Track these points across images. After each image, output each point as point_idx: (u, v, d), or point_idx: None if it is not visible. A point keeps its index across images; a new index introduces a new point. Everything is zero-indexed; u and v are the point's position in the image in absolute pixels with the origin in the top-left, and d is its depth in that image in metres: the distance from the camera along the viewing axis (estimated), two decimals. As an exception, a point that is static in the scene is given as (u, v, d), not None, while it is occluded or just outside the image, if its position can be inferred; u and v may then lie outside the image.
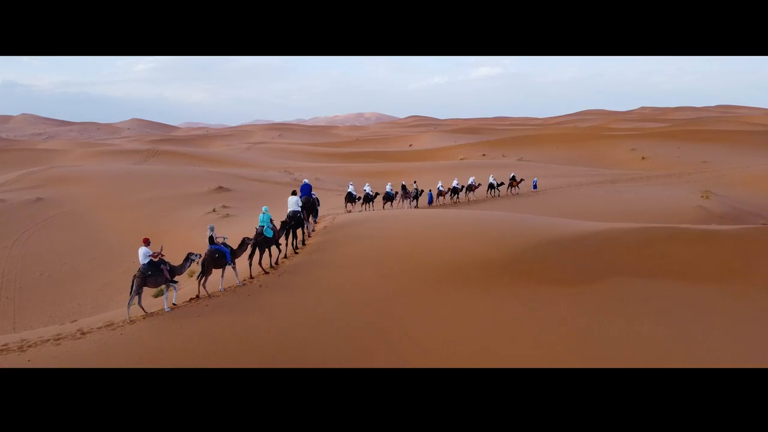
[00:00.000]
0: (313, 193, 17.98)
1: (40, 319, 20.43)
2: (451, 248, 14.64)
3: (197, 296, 12.02)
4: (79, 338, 9.97)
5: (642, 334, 11.02)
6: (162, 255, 11.70)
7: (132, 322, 10.80)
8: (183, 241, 25.05)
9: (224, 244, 12.78)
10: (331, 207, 28.84)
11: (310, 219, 17.67)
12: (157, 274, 11.38)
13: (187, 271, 13.91)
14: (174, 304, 11.64)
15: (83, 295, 23.16)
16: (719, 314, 12.44)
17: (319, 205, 18.81)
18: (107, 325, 10.61)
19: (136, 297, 11.17)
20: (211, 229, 12.79)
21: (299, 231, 16.05)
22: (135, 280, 11.20)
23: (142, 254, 11.42)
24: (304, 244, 16.20)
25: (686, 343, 10.82)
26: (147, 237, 12.00)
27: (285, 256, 14.94)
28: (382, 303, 12.00)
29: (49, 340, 9.92)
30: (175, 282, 11.81)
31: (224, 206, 34.14)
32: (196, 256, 12.31)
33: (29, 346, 9.64)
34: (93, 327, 10.58)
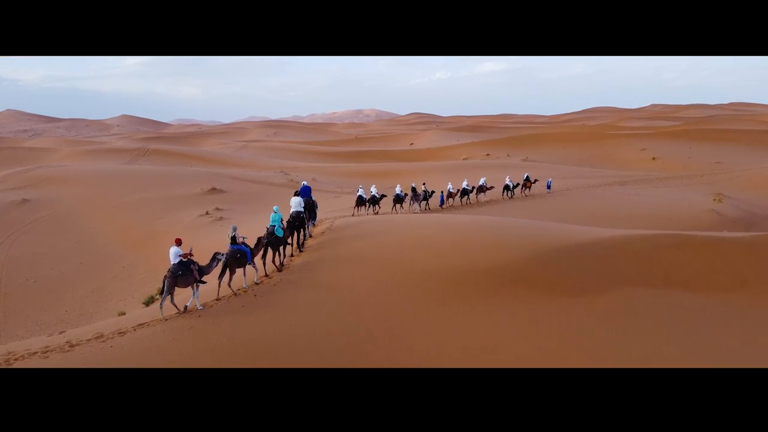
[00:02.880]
0: (312, 195, 18.40)
1: (27, 327, 20.50)
2: (454, 254, 14.70)
3: (224, 295, 12.67)
4: (68, 351, 10.02)
5: (651, 347, 11.08)
6: (191, 255, 12.24)
7: (121, 334, 10.86)
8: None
9: (244, 243, 13.33)
10: (329, 210, 28.89)
11: (308, 221, 17.98)
12: (187, 273, 11.91)
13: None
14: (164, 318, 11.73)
15: (71, 301, 23.23)
16: (732, 325, 12.52)
17: (317, 208, 19.13)
18: (96, 337, 10.66)
19: (168, 296, 11.71)
20: (234, 229, 13.39)
21: (300, 232, 16.73)
22: (166, 281, 11.71)
23: (173, 254, 11.93)
24: (301, 249, 16.35)
25: (697, 357, 10.87)
26: (179, 237, 12.62)
27: (292, 255, 15.75)
28: (379, 310, 12.06)
29: (36, 352, 9.97)
30: (204, 282, 12.33)
31: (217, 209, 34.20)
32: (222, 255, 12.81)
33: (16, 359, 9.70)
34: (82, 339, 10.64)
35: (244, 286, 13.28)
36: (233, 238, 13.15)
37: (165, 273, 11.87)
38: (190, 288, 12.16)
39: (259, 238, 14.20)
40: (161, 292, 11.87)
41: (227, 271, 12.72)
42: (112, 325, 11.89)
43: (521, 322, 11.85)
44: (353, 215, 25.22)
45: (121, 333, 10.87)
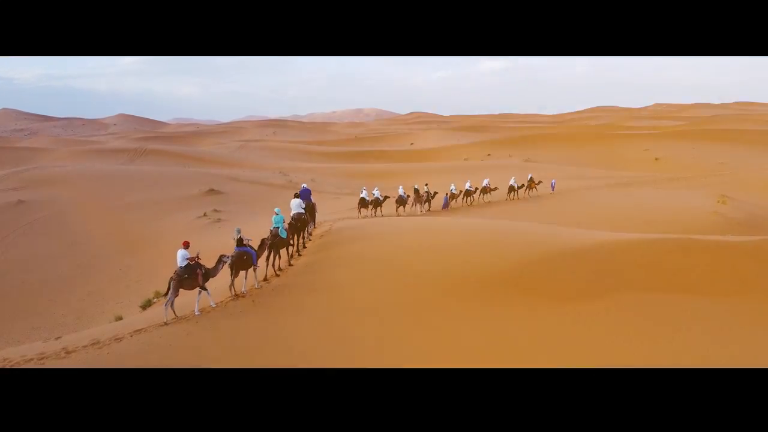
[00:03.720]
0: (311, 197, 18.58)
1: (22, 331, 20.51)
2: (454, 257, 14.72)
3: (236, 295, 12.99)
4: (64, 357, 10.03)
5: (653, 351, 11.07)
6: (198, 259, 12.39)
7: (118, 340, 10.86)
8: (172, 247, 25.13)
9: (249, 245, 13.49)
10: (328, 212, 28.91)
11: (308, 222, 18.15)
12: (192, 277, 12.08)
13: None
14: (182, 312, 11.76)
15: (67, 304, 23.24)
16: (736, 330, 12.49)
17: (316, 210, 19.30)
18: (93, 344, 10.67)
19: (172, 299, 11.87)
20: (238, 232, 13.55)
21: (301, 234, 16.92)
22: (172, 282, 11.87)
23: (180, 257, 12.12)
24: (300, 253, 16.40)
25: (700, 361, 10.85)
26: (187, 240, 12.81)
27: (291, 257, 15.83)
28: (379, 312, 12.08)
29: (32, 359, 9.99)
30: (206, 290, 12.45)
31: (215, 210, 34.22)
32: (227, 257, 12.99)
33: (11, 366, 9.70)
34: (78, 345, 10.65)
35: (243, 290, 13.32)
36: (239, 240, 13.29)
37: (171, 275, 12.05)
38: (197, 291, 12.29)
39: (263, 240, 14.38)
40: (166, 294, 12.02)
41: (235, 272, 12.97)
42: (108, 330, 11.91)
43: (522, 326, 11.85)
44: (364, 217, 25.40)
45: (118, 339, 10.87)
